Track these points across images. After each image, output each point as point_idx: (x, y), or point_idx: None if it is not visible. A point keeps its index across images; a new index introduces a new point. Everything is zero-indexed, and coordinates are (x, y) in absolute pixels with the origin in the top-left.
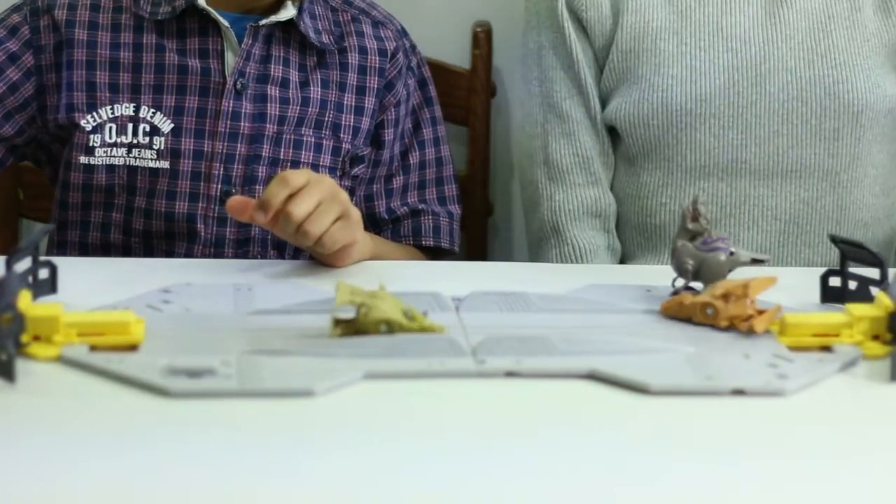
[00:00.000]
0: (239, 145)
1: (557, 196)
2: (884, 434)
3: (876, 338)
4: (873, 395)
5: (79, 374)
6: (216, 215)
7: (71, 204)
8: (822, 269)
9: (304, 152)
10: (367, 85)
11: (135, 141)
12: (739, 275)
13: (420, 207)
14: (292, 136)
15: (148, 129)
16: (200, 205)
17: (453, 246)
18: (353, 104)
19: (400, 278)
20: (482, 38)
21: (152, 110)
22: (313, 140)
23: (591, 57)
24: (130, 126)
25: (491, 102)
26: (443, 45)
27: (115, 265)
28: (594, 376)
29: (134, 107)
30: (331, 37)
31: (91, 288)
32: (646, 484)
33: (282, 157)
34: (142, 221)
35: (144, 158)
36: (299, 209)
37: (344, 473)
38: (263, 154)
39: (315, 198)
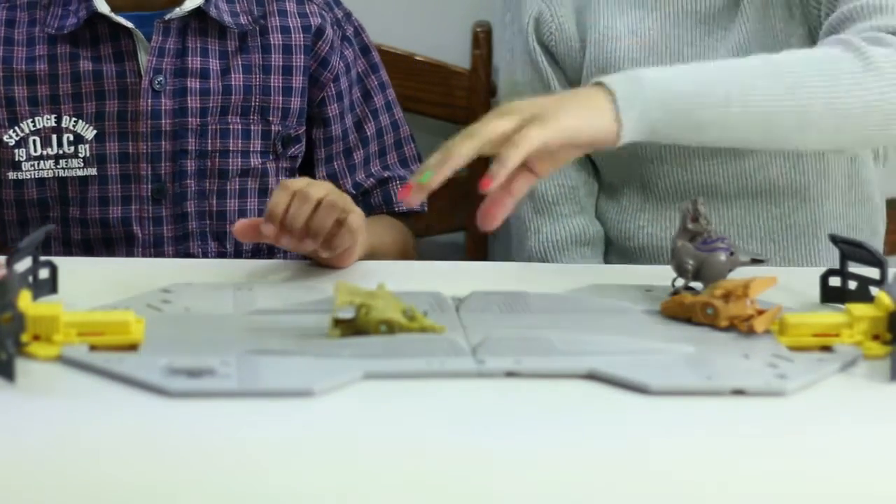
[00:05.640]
0: (163, 143)
1: (545, 228)
2: (884, 434)
3: (876, 338)
4: (873, 395)
5: (78, 373)
6: (151, 215)
7: (7, 222)
8: (822, 269)
9: (232, 140)
10: (294, 64)
11: (60, 151)
12: (739, 275)
13: (385, 175)
14: (218, 126)
15: (72, 138)
16: (134, 207)
17: (423, 207)
18: (281, 85)
19: (400, 278)
20: (482, 38)
21: (74, 119)
22: (241, 127)
23: (568, 88)
24: (54, 137)
25: (491, 102)
26: (443, 45)
27: (116, 265)
28: (594, 376)
29: (55, 117)
30: (249, 17)
31: (91, 288)
32: (646, 484)
33: (209, 149)
34: (79, 231)
35: (72, 168)
36: (301, 210)
37: (343, 473)
38: (190, 148)
39: (313, 199)
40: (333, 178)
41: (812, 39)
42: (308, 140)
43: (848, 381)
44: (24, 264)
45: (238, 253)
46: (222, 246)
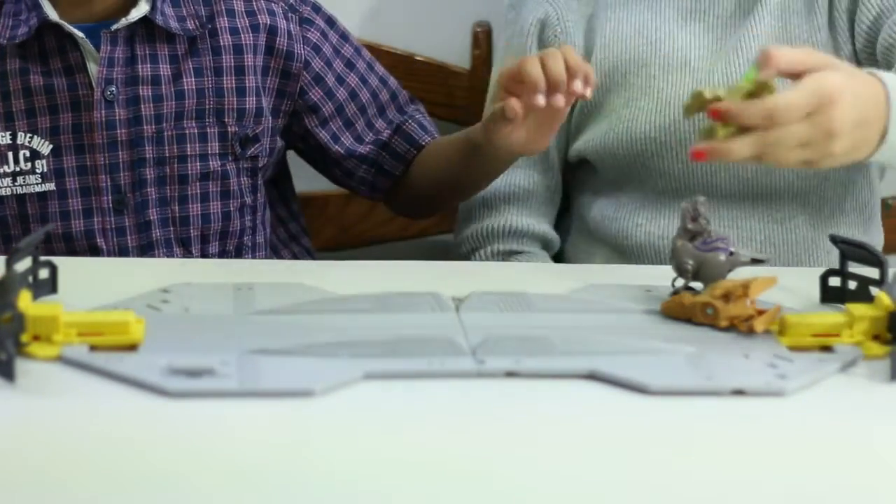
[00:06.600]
0: (120, 153)
1: (486, 220)
2: (884, 434)
3: (876, 338)
4: (873, 395)
5: (78, 373)
6: (114, 227)
7: None
8: (822, 270)
9: (189, 145)
10: (246, 64)
11: (17, 168)
12: (739, 275)
13: (396, 122)
14: (174, 132)
15: (28, 154)
16: (96, 219)
17: (436, 134)
18: (234, 86)
19: (399, 278)
20: (482, 38)
21: (29, 135)
22: (196, 131)
23: None
24: (10, 154)
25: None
26: (443, 45)
27: (115, 265)
28: (594, 376)
29: (10, 135)
30: (196, 20)
31: (91, 288)
32: (645, 484)
33: (167, 155)
34: (42, 247)
35: (30, 184)
36: (557, 63)
37: (343, 473)
38: (147, 156)
39: (556, 52)
40: (352, 152)
41: (834, 45)
42: (307, 132)
43: (848, 381)
44: (24, 264)
45: (205, 258)
46: (188, 252)
